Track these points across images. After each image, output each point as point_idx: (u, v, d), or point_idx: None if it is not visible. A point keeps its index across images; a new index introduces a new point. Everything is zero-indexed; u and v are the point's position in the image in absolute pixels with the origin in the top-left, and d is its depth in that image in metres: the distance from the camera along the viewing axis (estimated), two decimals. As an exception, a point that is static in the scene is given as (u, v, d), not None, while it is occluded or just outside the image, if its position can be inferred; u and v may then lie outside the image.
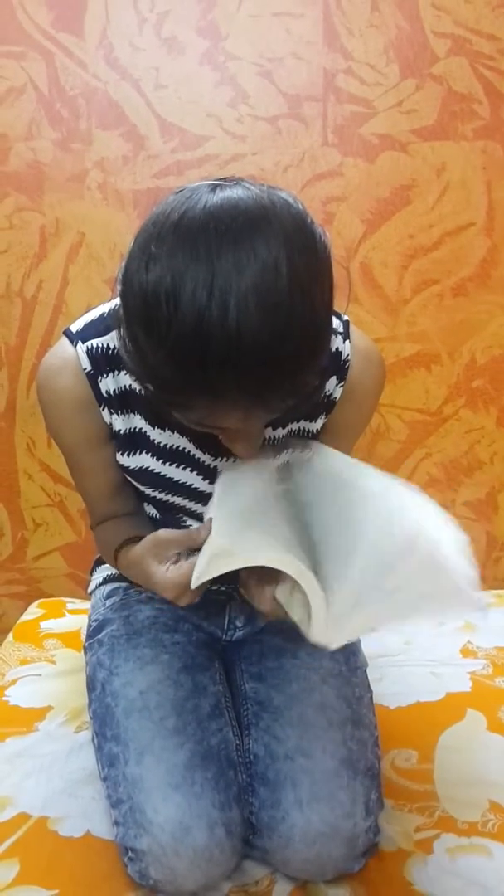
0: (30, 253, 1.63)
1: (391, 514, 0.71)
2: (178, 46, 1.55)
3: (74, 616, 1.45)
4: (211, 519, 0.79)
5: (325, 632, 0.71)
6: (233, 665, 1.03)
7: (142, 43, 1.55)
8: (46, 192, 1.60)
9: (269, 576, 0.78)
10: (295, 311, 0.63)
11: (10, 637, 1.38)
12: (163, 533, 0.83)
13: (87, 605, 1.25)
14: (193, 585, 0.76)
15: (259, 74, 1.56)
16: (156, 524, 1.02)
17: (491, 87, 1.56)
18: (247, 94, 1.57)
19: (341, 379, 0.92)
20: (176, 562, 0.81)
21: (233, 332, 0.61)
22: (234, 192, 0.66)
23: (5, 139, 1.58)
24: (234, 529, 0.75)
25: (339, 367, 0.91)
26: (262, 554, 0.73)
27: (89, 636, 1.07)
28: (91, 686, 1.00)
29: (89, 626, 1.09)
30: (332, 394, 0.92)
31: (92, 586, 1.16)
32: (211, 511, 0.82)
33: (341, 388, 0.92)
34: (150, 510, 1.01)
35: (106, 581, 1.13)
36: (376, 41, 1.54)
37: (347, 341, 0.91)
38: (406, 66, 1.55)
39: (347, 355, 0.91)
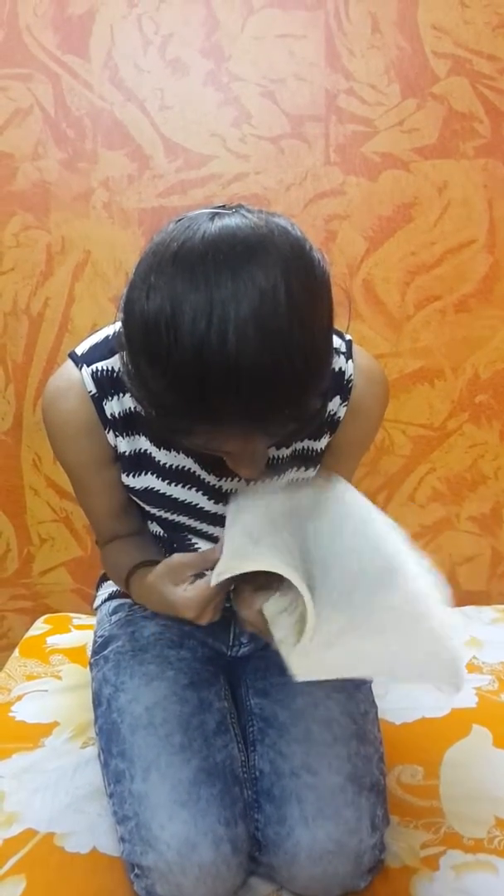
0: (36, 271, 1.65)
1: (402, 582, 0.71)
2: (183, 67, 1.58)
3: (80, 631, 1.45)
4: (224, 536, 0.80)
5: (305, 659, 0.71)
6: (238, 681, 1.03)
7: (146, 64, 1.57)
8: (52, 210, 1.62)
9: (264, 587, 0.79)
10: (294, 338, 0.64)
11: (16, 652, 1.38)
12: (176, 557, 0.83)
13: (93, 620, 1.25)
14: (214, 582, 0.75)
15: (262, 95, 1.58)
16: (162, 543, 1.02)
17: (491, 106, 1.57)
18: (250, 115, 1.59)
19: (345, 399, 0.92)
20: (192, 583, 0.81)
21: (232, 360, 0.62)
22: (232, 221, 0.67)
23: (12, 159, 1.61)
24: (251, 541, 0.76)
25: (342, 386, 0.92)
26: (278, 561, 0.72)
27: (95, 652, 1.07)
28: (97, 702, 1.00)
29: (95, 641, 1.09)
30: (336, 413, 0.93)
31: (97, 602, 1.17)
32: (225, 533, 0.82)
33: (345, 408, 0.93)
34: (156, 529, 1.01)
35: (111, 597, 1.13)
36: (377, 62, 1.56)
37: (350, 361, 0.91)
38: (407, 86, 1.57)
39: (350, 375, 0.91)
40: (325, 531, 0.81)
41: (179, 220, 0.69)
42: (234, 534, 0.78)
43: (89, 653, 1.10)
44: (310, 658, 0.71)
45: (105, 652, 1.04)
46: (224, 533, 0.81)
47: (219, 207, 0.71)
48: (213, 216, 0.68)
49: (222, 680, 1.01)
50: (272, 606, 0.78)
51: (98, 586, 1.20)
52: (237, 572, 0.73)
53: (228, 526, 0.81)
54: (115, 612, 1.10)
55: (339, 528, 0.80)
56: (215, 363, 0.62)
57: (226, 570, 0.74)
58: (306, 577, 0.75)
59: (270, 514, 0.83)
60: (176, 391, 0.65)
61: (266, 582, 0.79)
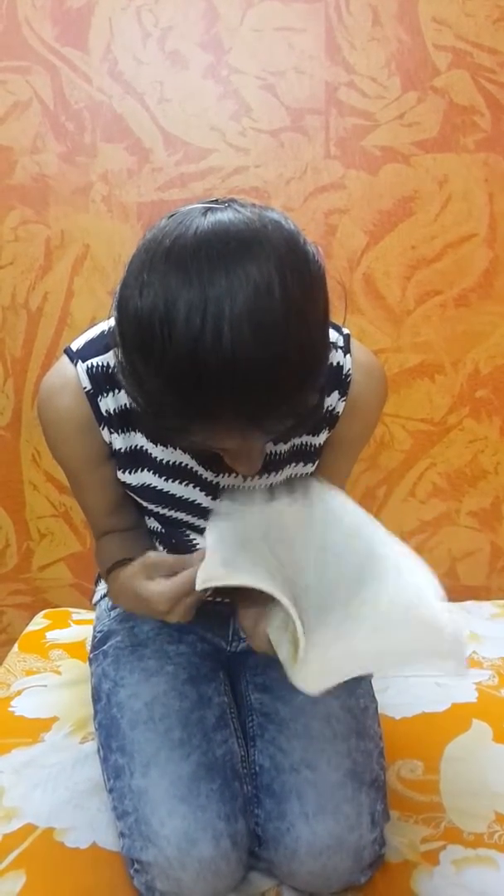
0: (35, 265, 1.65)
1: (393, 577, 0.72)
2: (182, 60, 1.57)
3: (80, 626, 1.45)
4: (203, 549, 0.79)
5: (305, 675, 0.71)
6: (238, 676, 1.03)
7: (146, 57, 1.57)
8: (51, 204, 1.62)
9: (263, 613, 0.79)
10: (290, 333, 0.63)
11: (15, 648, 1.38)
12: (152, 555, 0.82)
13: (92, 615, 1.25)
14: (199, 587, 0.73)
15: (262, 88, 1.57)
16: (159, 538, 1.02)
17: (492, 100, 1.57)
18: (250, 108, 1.58)
19: (343, 394, 0.92)
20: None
21: (227, 358, 0.61)
22: (225, 216, 0.66)
23: (11, 153, 1.60)
24: (242, 555, 0.75)
25: (340, 381, 0.91)
26: (264, 577, 0.72)
27: (94, 647, 1.07)
28: (96, 697, 1.00)
29: (94, 636, 1.09)
30: (334, 408, 0.92)
31: (97, 597, 1.17)
32: (206, 540, 0.82)
33: (343, 403, 0.92)
34: (153, 524, 1.01)
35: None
36: (378, 55, 1.55)
37: (348, 355, 0.90)
38: (407, 79, 1.56)
39: (349, 370, 0.91)
40: (313, 541, 0.81)
41: (172, 216, 0.69)
42: (222, 546, 0.77)
43: (88, 648, 1.10)
44: (309, 672, 0.71)
45: (104, 647, 1.04)
46: (207, 541, 0.81)
47: (211, 202, 0.70)
48: (205, 211, 0.67)
49: (222, 675, 1.01)
50: (272, 628, 0.77)
51: (97, 581, 1.20)
52: (225, 583, 0.72)
53: (213, 537, 0.80)
54: (114, 607, 1.10)
55: (328, 537, 0.80)
56: (211, 360, 0.61)
57: (213, 577, 0.72)
58: (293, 588, 0.75)
59: (254, 529, 0.82)
60: (172, 389, 0.65)
61: (261, 601, 0.78)
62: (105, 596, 1.14)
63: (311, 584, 0.78)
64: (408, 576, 0.72)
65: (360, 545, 0.77)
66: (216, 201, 0.70)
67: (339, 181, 1.60)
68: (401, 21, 1.54)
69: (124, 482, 0.94)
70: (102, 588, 1.16)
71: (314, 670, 0.70)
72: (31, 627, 1.47)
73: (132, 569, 0.84)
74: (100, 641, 1.06)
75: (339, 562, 0.77)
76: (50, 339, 1.68)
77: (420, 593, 0.70)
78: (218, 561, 0.75)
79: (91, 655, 1.07)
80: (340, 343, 0.90)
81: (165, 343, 0.63)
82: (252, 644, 0.82)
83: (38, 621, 1.49)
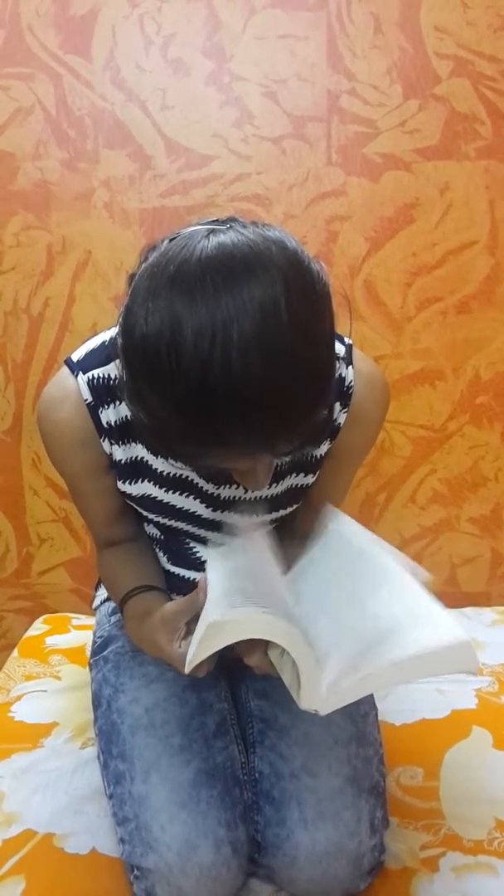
0: (37, 270, 1.65)
1: (406, 605, 0.72)
2: (184, 68, 1.57)
3: (80, 632, 1.45)
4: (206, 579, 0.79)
5: (314, 699, 0.71)
6: (238, 682, 1.03)
7: (148, 64, 1.57)
8: (53, 210, 1.62)
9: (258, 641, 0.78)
10: (298, 355, 0.63)
11: (15, 653, 1.38)
12: (168, 607, 0.83)
13: (92, 620, 1.25)
14: (186, 670, 0.74)
15: (264, 95, 1.58)
16: (159, 545, 1.02)
17: (493, 108, 1.57)
18: (252, 115, 1.58)
19: (345, 405, 0.91)
20: (187, 632, 0.80)
21: (237, 384, 0.61)
22: (228, 238, 0.65)
23: (13, 159, 1.61)
24: (224, 605, 0.74)
25: (342, 392, 0.90)
26: (252, 628, 0.72)
27: (94, 652, 1.07)
28: (96, 703, 1.00)
29: (94, 642, 1.09)
30: (336, 419, 0.92)
31: (96, 602, 1.17)
32: (208, 572, 0.82)
33: (345, 414, 0.92)
34: (153, 531, 1.01)
35: (110, 598, 1.13)
36: (379, 63, 1.56)
37: (350, 367, 0.90)
38: (409, 87, 1.57)
39: (351, 381, 0.90)
40: (321, 566, 0.82)
41: (173, 239, 0.68)
42: (210, 600, 0.76)
43: (88, 653, 1.10)
44: (316, 700, 0.71)
45: (105, 653, 1.04)
46: (207, 571, 0.81)
47: (212, 222, 0.70)
48: (207, 234, 0.66)
49: (222, 681, 1.01)
50: (273, 652, 0.77)
51: (97, 587, 1.20)
52: (206, 655, 0.72)
53: (208, 579, 0.80)
54: (114, 612, 1.10)
55: (336, 561, 0.81)
56: (220, 387, 0.61)
57: (194, 658, 0.72)
58: (293, 618, 0.75)
59: (250, 565, 0.82)
60: (181, 416, 0.64)
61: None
62: (105, 601, 1.14)
63: (311, 609, 0.78)
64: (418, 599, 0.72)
65: (369, 567, 0.77)
66: (216, 221, 0.70)
67: (340, 188, 1.61)
68: (402, 29, 1.55)
69: (124, 492, 0.94)
70: (102, 593, 1.16)
71: (326, 697, 0.71)
72: (31, 632, 1.47)
73: (151, 625, 0.84)
74: (100, 647, 1.06)
75: (350, 585, 0.77)
76: (51, 345, 1.68)
77: (432, 618, 0.70)
78: (195, 638, 0.74)
79: (91, 661, 1.07)
80: (342, 354, 0.90)
81: (174, 371, 0.62)
82: (246, 661, 0.79)
83: (38, 626, 1.49)
